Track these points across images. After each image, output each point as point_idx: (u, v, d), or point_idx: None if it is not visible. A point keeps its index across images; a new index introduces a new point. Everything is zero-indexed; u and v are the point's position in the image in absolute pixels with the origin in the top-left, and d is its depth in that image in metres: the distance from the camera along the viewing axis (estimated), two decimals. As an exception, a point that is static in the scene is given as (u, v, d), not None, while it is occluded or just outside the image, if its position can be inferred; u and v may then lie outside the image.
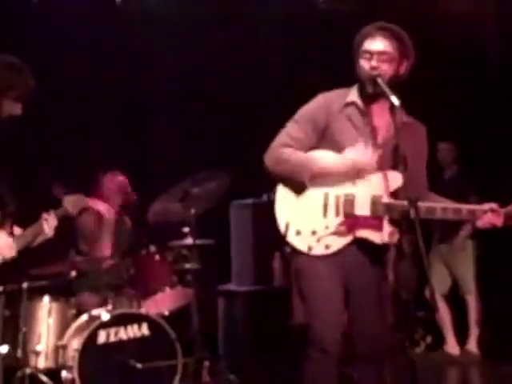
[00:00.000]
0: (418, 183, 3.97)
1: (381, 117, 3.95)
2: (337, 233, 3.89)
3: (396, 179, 3.85)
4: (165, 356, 5.45)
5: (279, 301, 6.11)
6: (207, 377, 5.77)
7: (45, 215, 4.24)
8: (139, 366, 5.37)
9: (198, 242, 5.87)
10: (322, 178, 3.88)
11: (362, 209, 3.90)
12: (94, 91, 6.99)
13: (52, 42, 6.72)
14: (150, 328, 5.51)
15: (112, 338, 5.43)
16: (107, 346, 5.41)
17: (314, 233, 3.91)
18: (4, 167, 4.10)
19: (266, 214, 6.04)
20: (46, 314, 5.59)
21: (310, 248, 3.91)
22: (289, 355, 5.76)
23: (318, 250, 3.90)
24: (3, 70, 4.02)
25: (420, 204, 3.70)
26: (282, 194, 3.99)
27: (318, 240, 3.90)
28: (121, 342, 5.43)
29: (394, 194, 3.88)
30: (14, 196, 4.12)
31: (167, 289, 5.84)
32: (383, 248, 3.95)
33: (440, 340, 7.02)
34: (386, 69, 3.85)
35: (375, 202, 3.89)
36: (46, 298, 5.63)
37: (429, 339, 7.06)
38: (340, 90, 4.04)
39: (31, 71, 4.07)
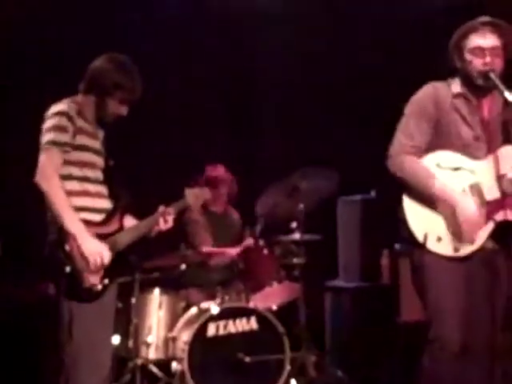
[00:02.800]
0: None
1: (490, 110, 3.96)
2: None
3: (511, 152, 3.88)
4: (273, 350, 5.49)
5: (387, 298, 6.06)
6: (314, 372, 5.81)
7: (161, 208, 4.27)
8: (247, 359, 5.42)
9: (306, 237, 5.88)
10: None
11: (492, 192, 3.88)
12: (198, 89, 7.07)
13: (158, 43, 6.81)
14: (258, 322, 5.54)
15: (221, 331, 5.48)
16: (216, 338, 5.47)
17: (454, 233, 3.86)
18: (118, 161, 4.19)
19: (374, 210, 6.29)
20: (156, 307, 5.74)
21: (456, 249, 3.86)
22: (395, 352, 5.71)
23: (465, 248, 3.86)
24: (113, 68, 4.09)
25: None
26: (410, 205, 3.94)
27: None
28: (230, 335, 5.49)
29: None
30: (127, 190, 4.19)
31: (275, 283, 5.85)
32: None
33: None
34: (498, 63, 3.86)
35: (501, 181, 3.87)
36: (157, 291, 5.77)
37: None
38: (441, 82, 4.03)
39: (140, 75, 4.11)
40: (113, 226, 4.10)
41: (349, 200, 6.45)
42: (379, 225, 6.11)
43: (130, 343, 5.56)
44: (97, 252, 3.94)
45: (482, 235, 3.87)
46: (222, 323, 5.49)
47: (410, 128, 3.95)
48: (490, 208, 3.88)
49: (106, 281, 3.98)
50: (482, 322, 3.95)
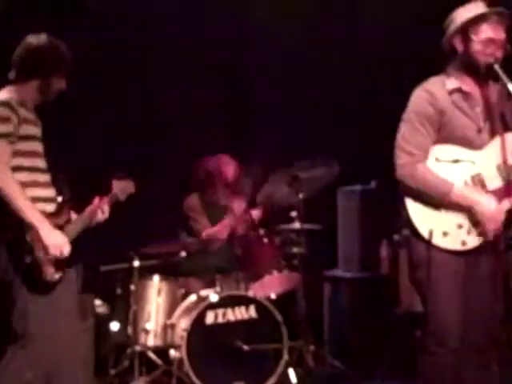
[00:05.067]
0: None
1: (488, 100, 3.93)
2: None
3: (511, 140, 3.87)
4: (271, 339, 5.51)
5: (385, 288, 6.09)
6: (312, 361, 5.81)
7: (97, 200, 4.34)
8: (246, 347, 5.45)
9: (306, 226, 5.89)
10: None
11: (494, 182, 3.87)
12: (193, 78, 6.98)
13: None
14: (257, 310, 5.56)
15: (220, 319, 5.50)
16: (215, 326, 5.49)
17: (460, 227, 3.85)
18: (57, 157, 4.19)
19: (373, 200, 6.27)
20: (155, 293, 5.76)
21: (463, 243, 3.85)
22: (394, 342, 5.71)
23: (473, 241, 3.85)
24: (49, 46, 4.13)
25: None
26: (414, 204, 3.91)
27: (469, 232, 3.85)
28: (228, 324, 5.51)
29: None
30: (68, 184, 4.24)
31: (275, 272, 5.89)
32: None
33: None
34: (502, 54, 3.84)
35: (502, 169, 3.86)
36: (156, 278, 5.78)
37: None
38: (434, 79, 4.00)
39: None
40: (63, 217, 4.14)
41: (349, 190, 6.46)
42: (379, 215, 6.13)
43: (129, 330, 5.61)
44: (58, 243, 3.99)
45: None
46: (220, 311, 5.51)
47: (415, 136, 3.90)
48: (494, 197, 3.85)
49: (60, 274, 4.03)
50: (483, 315, 3.94)
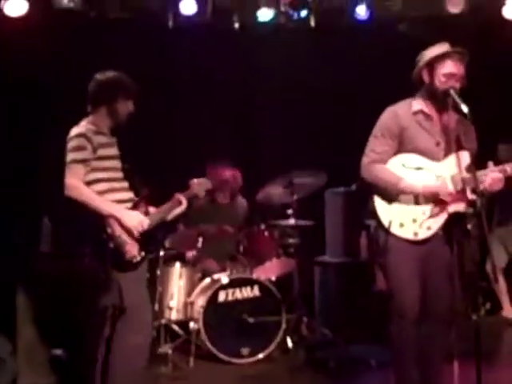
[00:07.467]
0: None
1: (447, 122, 4.31)
2: (433, 215, 4.20)
3: (465, 157, 4.21)
4: (272, 313, 5.95)
5: (364, 270, 6.44)
6: (305, 330, 6.25)
7: (177, 196, 4.63)
8: (251, 320, 5.94)
9: (299, 222, 6.27)
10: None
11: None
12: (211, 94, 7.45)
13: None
14: (260, 290, 6.02)
15: (230, 298, 5.96)
16: (226, 303, 5.95)
17: (414, 221, 4.20)
18: (134, 163, 4.54)
19: (354, 200, 6.61)
20: (177, 277, 6.21)
21: (415, 234, 4.19)
22: (371, 315, 6.08)
23: (423, 233, 4.20)
24: (106, 78, 4.45)
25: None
26: (379, 201, 4.29)
27: (420, 225, 4.20)
28: (237, 301, 5.97)
29: (467, 169, 4.21)
30: (144, 184, 4.52)
31: (274, 259, 6.34)
32: (467, 217, 4.24)
33: (497, 306, 7.18)
34: (459, 86, 4.26)
35: (454, 180, 4.22)
36: (178, 264, 6.25)
37: (488, 305, 7.14)
38: (403, 102, 4.37)
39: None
40: (141, 211, 4.45)
41: (334, 192, 6.81)
42: (358, 212, 6.40)
43: (156, 307, 5.95)
44: (137, 220, 4.33)
45: (436, 224, 4.21)
46: (230, 291, 5.97)
47: (376, 146, 4.33)
48: (445, 202, 4.20)
49: (143, 253, 4.39)
50: (442, 293, 4.31)
